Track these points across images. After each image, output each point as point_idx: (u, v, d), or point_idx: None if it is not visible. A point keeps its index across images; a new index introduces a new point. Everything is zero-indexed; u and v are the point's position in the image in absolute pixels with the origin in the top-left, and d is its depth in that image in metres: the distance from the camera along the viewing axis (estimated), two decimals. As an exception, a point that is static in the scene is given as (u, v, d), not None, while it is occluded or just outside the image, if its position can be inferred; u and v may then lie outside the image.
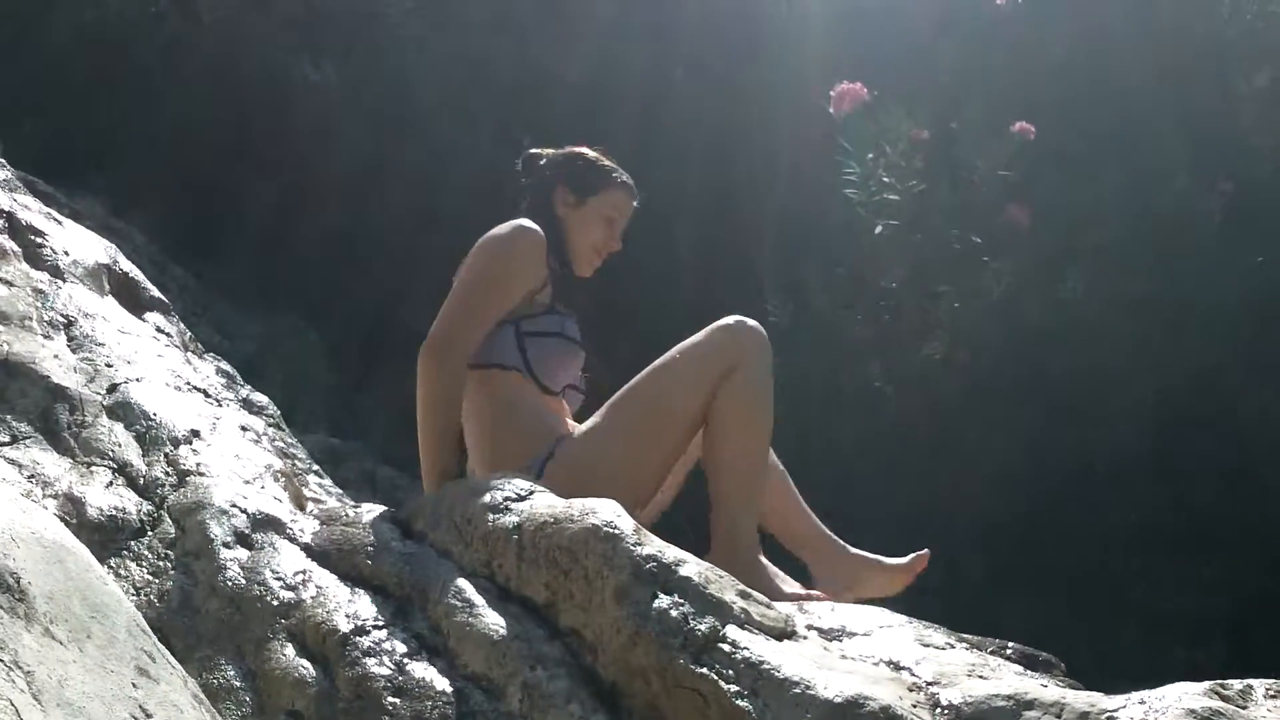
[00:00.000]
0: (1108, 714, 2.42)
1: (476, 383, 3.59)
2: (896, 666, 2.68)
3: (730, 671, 2.49)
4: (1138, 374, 7.75)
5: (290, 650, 2.70)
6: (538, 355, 3.59)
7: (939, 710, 2.50)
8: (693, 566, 2.71)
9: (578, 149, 3.91)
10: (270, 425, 4.02)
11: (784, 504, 3.75)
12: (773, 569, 3.49)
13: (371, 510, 3.21)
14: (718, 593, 2.67)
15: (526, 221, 3.62)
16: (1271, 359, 8.58)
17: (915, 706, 2.47)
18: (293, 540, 3.02)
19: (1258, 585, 8.02)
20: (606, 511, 2.77)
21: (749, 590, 2.80)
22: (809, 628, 2.84)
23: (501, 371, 3.57)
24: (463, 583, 2.81)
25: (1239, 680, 2.73)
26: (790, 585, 3.47)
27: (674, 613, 2.58)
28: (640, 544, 2.70)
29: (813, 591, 3.46)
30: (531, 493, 2.97)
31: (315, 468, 4.09)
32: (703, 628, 2.57)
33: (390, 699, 2.58)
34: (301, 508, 3.30)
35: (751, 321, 3.45)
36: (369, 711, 2.57)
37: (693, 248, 7.80)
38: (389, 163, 7.89)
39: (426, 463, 3.48)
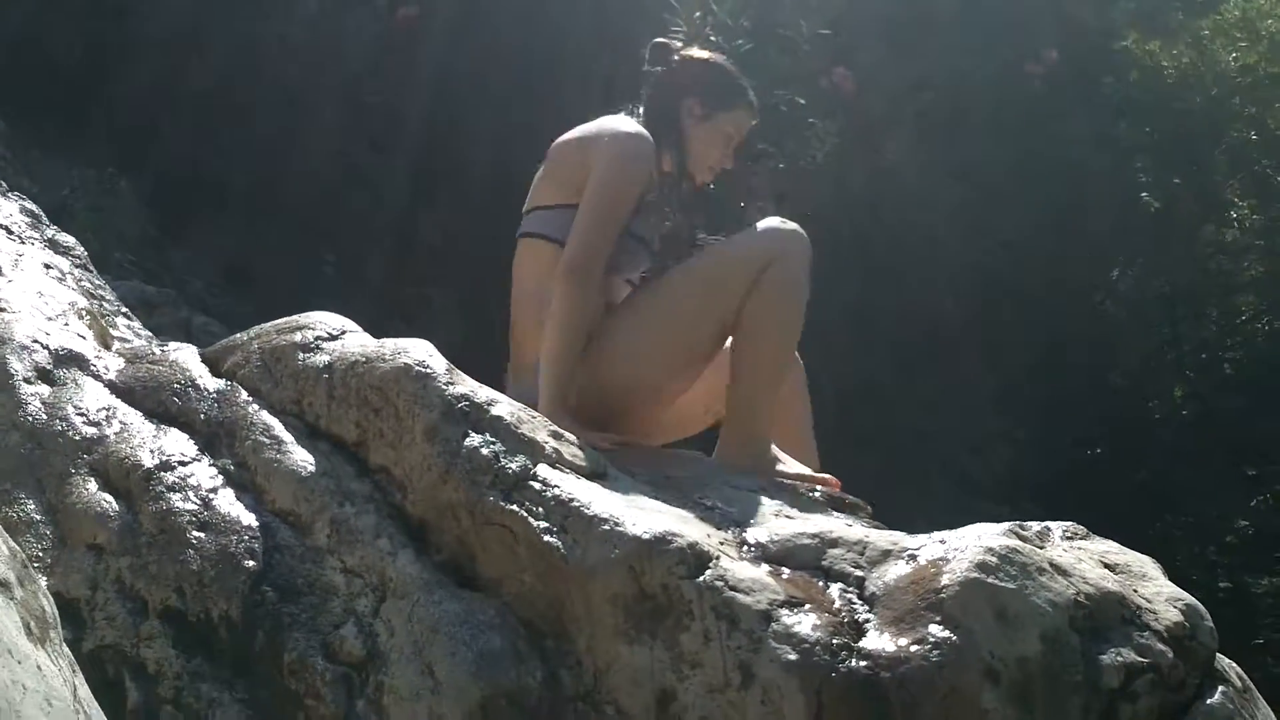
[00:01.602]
0: (909, 551, 2.48)
1: (547, 254, 3.44)
2: (706, 506, 2.72)
3: (540, 509, 2.49)
4: (958, 241, 7.86)
5: (93, 485, 2.66)
6: (615, 250, 3.44)
7: (745, 548, 2.53)
8: (505, 406, 2.70)
9: (712, 56, 3.78)
10: (77, 266, 3.92)
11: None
12: (783, 454, 3.43)
13: (179, 349, 3.15)
14: (530, 432, 2.67)
15: (643, 131, 3.47)
16: (1087, 230, 8.79)
17: (722, 544, 2.51)
18: (97, 377, 2.96)
19: (1067, 448, 8.29)
20: (419, 351, 2.75)
21: (561, 431, 2.80)
22: (622, 469, 2.86)
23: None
24: (271, 420, 2.78)
25: (1037, 522, 2.81)
26: (795, 467, 3.39)
27: (485, 451, 2.57)
28: (452, 383, 2.68)
29: (825, 476, 3.35)
30: (343, 331, 2.93)
31: (124, 310, 4.00)
32: (514, 466, 2.56)
33: (195, 533, 2.55)
34: (107, 347, 3.23)
35: (792, 224, 3.39)
36: (173, 545, 2.54)
37: (519, 111, 7.71)
38: (206, 20, 7.66)
39: (557, 377, 3.25)
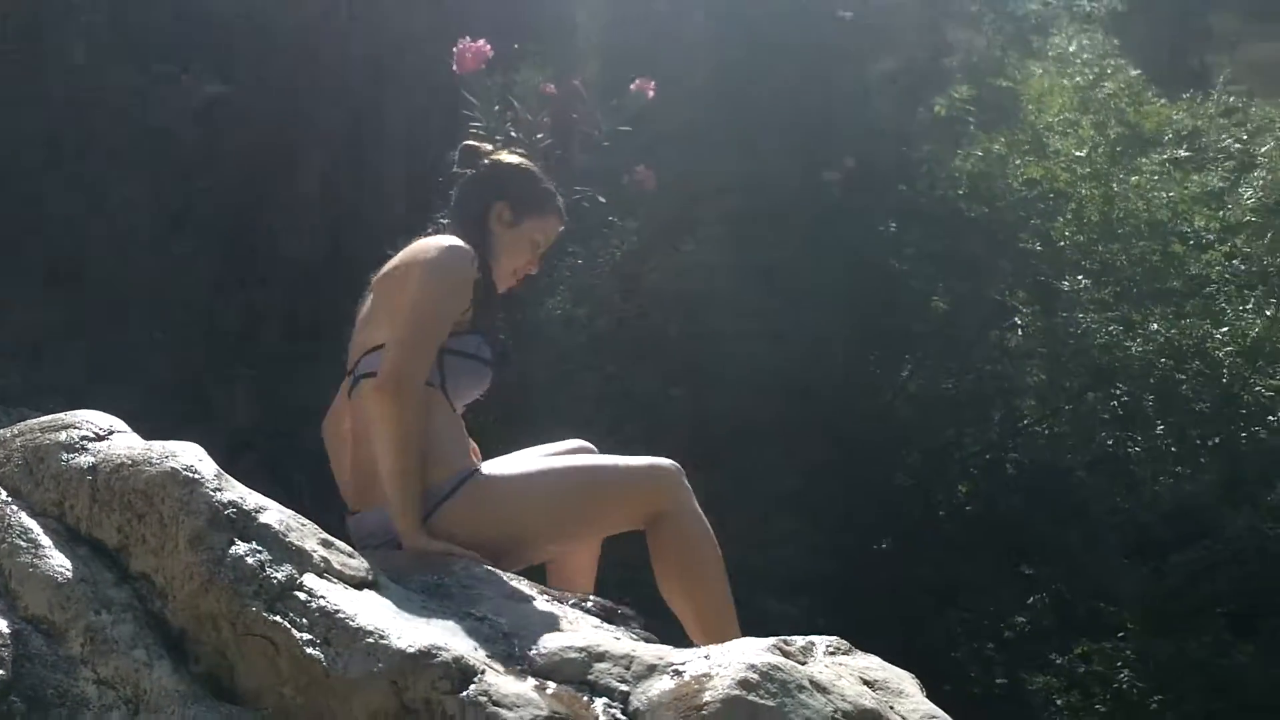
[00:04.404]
0: (674, 666, 2.50)
1: None
2: (475, 618, 2.71)
3: (304, 620, 2.46)
4: (754, 339, 7.99)
5: None
6: (453, 373, 3.43)
7: (512, 661, 2.53)
8: (274, 514, 2.67)
9: (522, 162, 3.73)
10: None
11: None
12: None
13: (-66, 444, 3.04)
14: (298, 541, 2.64)
15: (459, 243, 3.45)
16: (880, 330, 9.02)
17: (489, 657, 2.50)
18: None
19: (852, 544, 8.43)
20: (187, 455, 2.69)
21: (332, 539, 2.77)
22: (392, 578, 2.84)
23: None
24: (30, 522, 2.69)
25: (802, 637, 2.86)
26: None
27: (250, 560, 2.53)
28: (220, 489, 2.64)
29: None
30: (111, 431, 2.87)
31: (-111, 395, 3.88)
32: (279, 576, 2.53)
33: (-59, 641, 2.47)
34: None
35: (675, 467, 3.45)
36: (-83, 653, 2.45)
37: (322, 203, 7.69)
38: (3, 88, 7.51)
39: (402, 495, 3.23)
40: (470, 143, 3.80)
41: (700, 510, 3.46)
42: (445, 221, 3.65)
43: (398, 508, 3.22)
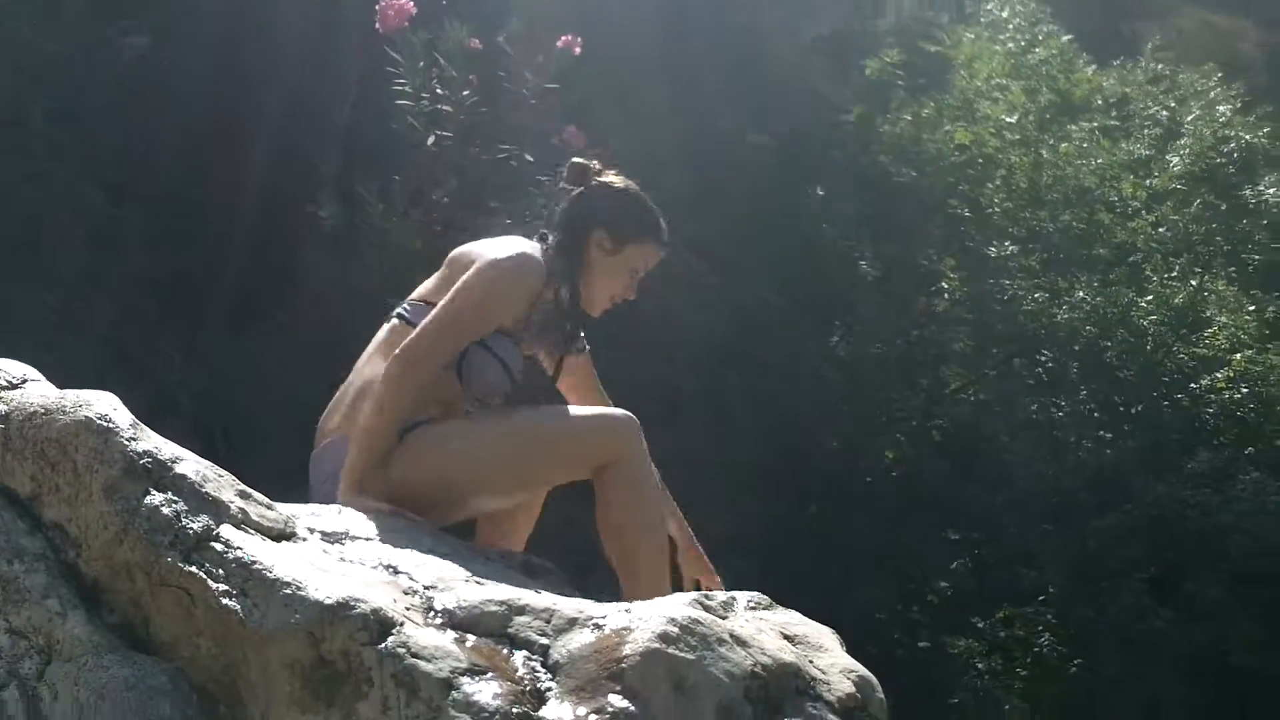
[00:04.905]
0: (594, 620, 2.51)
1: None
2: (395, 570, 2.69)
3: (220, 571, 2.44)
4: (687, 310, 7.98)
5: None
6: (475, 365, 3.43)
7: (432, 614, 2.52)
8: (190, 465, 2.63)
9: (628, 185, 3.70)
10: None
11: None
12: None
13: None
14: (215, 491, 2.61)
15: (533, 253, 3.48)
16: (813, 300, 9.03)
17: (409, 610, 2.49)
18: None
19: (783, 509, 8.46)
20: (102, 404, 2.65)
21: (250, 491, 2.75)
22: (311, 530, 2.81)
23: None
24: (-61, 471, 2.66)
25: (724, 593, 2.86)
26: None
27: (166, 510, 2.50)
28: (136, 439, 2.60)
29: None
30: (24, 380, 2.82)
31: None
32: (195, 526, 2.50)
33: None
34: None
35: (630, 417, 3.43)
36: None
37: (262, 153, 7.59)
38: None
39: (362, 454, 3.28)
40: (578, 160, 3.78)
41: (652, 464, 3.46)
42: (547, 236, 3.65)
43: (351, 462, 3.25)
